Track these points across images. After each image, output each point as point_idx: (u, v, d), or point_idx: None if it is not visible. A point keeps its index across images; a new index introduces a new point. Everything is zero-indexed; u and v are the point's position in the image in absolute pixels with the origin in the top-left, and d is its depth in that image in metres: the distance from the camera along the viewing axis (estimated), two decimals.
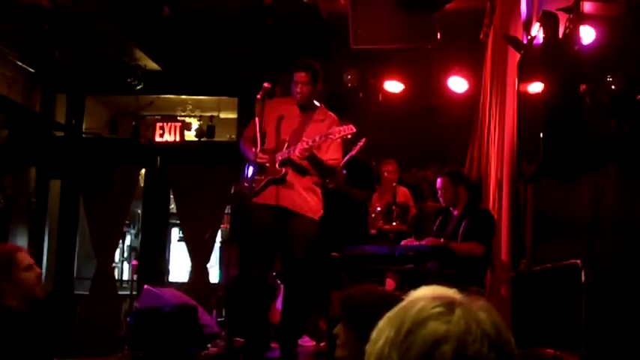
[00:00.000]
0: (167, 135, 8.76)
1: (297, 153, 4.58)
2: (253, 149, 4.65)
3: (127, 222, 9.60)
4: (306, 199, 4.69)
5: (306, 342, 5.50)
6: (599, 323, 3.27)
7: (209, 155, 8.64)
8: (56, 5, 6.46)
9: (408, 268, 4.79)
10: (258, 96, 4.65)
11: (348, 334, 2.38)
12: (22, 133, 7.67)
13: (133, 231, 10.39)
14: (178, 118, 9.04)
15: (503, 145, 5.19)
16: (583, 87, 3.30)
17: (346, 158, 5.44)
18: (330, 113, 4.87)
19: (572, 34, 3.35)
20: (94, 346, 7.05)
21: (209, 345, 4.94)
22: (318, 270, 4.98)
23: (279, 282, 5.84)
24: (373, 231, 6.27)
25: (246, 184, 4.73)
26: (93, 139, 8.77)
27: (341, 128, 4.56)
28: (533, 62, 3.95)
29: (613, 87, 3.06)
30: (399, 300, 1.11)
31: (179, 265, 9.94)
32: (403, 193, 6.68)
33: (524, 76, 4.17)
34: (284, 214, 4.65)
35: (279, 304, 5.53)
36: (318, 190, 4.79)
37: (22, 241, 7.94)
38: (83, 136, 8.75)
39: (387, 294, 2.99)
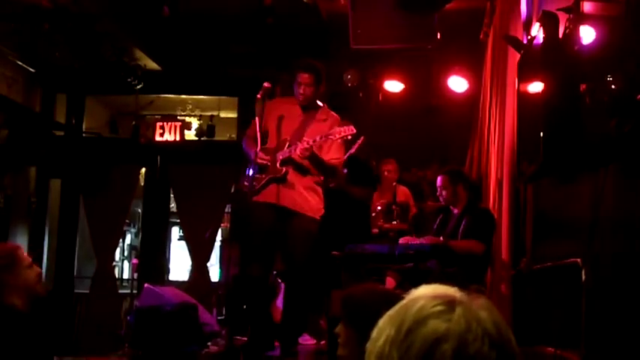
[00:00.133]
0: (167, 134, 8.76)
1: (297, 153, 4.58)
2: (255, 149, 4.66)
3: (127, 221, 9.60)
4: (306, 198, 4.70)
5: (307, 340, 5.50)
6: (599, 322, 3.27)
7: (209, 154, 8.64)
8: (56, 5, 6.46)
9: (408, 267, 4.80)
10: (258, 96, 4.66)
11: (349, 333, 2.39)
12: (22, 132, 7.67)
13: (133, 230, 10.39)
14: (178, 117, 9.04)
15: (503, 145, 5.20)
16: (583, 87, 3.30)
17: (345, 156, 5.45)
18: (333, 113, 4.87)
19: (572, 34, 3.36)
20: (94, 344, 7.05)
21: (209, 344, 4.94)
22: (318, 269, 4.98)
23: (279, 281, 5.84)
24: (375, 230, 6.27)
25: (246, 183, 4.74)
26: (93, 139, 8.77)
27: (341, 129, 4.57)
28: (533, 62, 3.95)
29: (613, 87, 3.07)
30: (400, 298, 1.11)
31: (179, 264, 9.94)
32: (403, 193, 6.69)
33: (524, 76, 4.18)
34: (285, 213, 4.65)
35: (279, 302, 5.54)
36: (319, 190, 4.80)
37: (22, 240, 7.94)
38: (83, 135, 8.75)
39: (388, 292, 2.99)
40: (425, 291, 1.11)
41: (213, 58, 8.04)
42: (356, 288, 2.64)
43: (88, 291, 8.48)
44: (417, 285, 1.14)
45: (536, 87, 3.80)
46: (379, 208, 6.38)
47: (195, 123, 9.17)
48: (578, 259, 3.37)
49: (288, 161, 4.66)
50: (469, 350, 1.00)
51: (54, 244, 8.56)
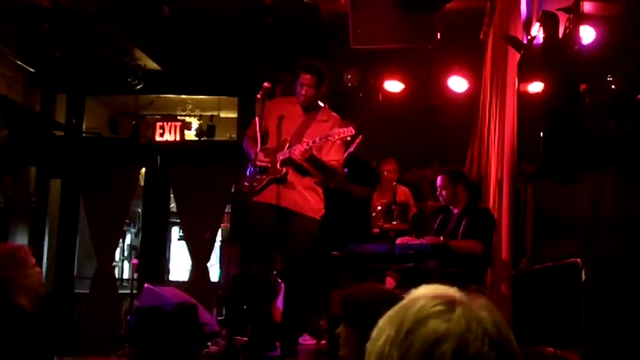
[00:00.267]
0: (167, 134, 8.76)
1: (297, 154, 4.58)
2: (255, 149, 4.66)
3: (127, 221, 9.60)
4: (306, 198, 4.70)
5: (307, 340, 5.50)
6: (599, 322, 3.27)
7: (209, 154, 8.64)
8: (56, 5, 6.46)
9: (408, 267, 4.80)
10: (258, 95, 4.66)
11: (349, 333, 2.39)
12: (22, 132, 7.68)
13: (133, 230, 10.39)
14: (178, 117, 9.04)
15: (504, 145, 5.20)
16: (583, 87, 3.31)
17: (344, 155, 5.45)
18: (334, 114, 4.87)
19: (572, 34, 3.36)
20: (94, 344, 7.05)
21: (209, 344, 4.94)
22: (318, 269, 4.98)
23: (279, 281, 5.85)
24: (376, 230, 6.27)
25: (246, 184, 4.74)
26: (93, 139, 8.77)
27: (341, 130, 4.58)
28: (533, 62, 3.95)
29: (613, 87, 3.07)
30: (400, 298, 1.11)
31: (179, 264, 9.94)
32: (403, 193, 6.69)
33: (524, 76, 4.18)
34: (285, 213, 4.65)
35: (279, 302, 5.54)
36: (319, 190, 4.80)
37: (22, 240, 7.94)
38: (83, 135, 8.75)
39: (388, 292, 2.99)
40: (425, 291, 1.10)
41: (213, 58, 8.04)
42: (356, 288, 2.64)
43: (88, 291, 8.48)
44: (416, 285, 1.14)
45: (536, 87, 3.80)
46: (379, 208, 6.38)
47: (195, 123, 9.16)
48: (578, 259, 3.37)
49: (288, 162, 4.66)
50: (469, 350, 1.00)
51: (54, 244, 8.56)
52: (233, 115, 8.89)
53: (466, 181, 5.19)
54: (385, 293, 2.69)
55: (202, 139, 9.02)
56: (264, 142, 4.74)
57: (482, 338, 1.02)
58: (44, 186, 8.48)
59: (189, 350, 4.49)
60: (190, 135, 9.06)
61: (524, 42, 4.43)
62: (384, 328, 1.08)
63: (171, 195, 8.87)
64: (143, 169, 8.99)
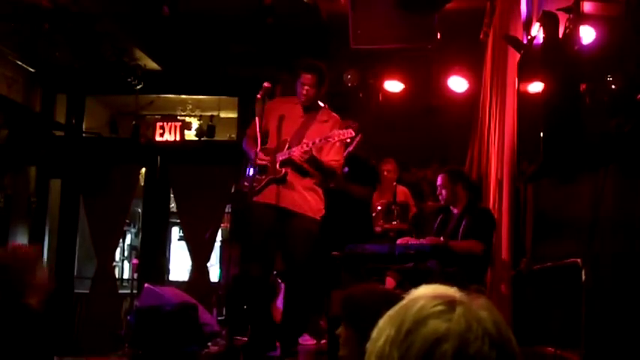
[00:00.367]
0: (167, 134, 8.76)
1: (296, 155, 4.58)
2: (255, 149, 4.66)
3: (127, 221, 9.60)
4: (306, 198, 4.70)
5: (307, 340, 5.50)
6: (599, 322, 3.27)
7: (209, 155, 8.64)
8: (56, 5, 6.46)
9: (408, 267, 4.80)
10: (259, 96, 4.66)
11: (349, 333, 2.39)
12: (22, 132, 7.68)
13: (133, 230, 10.39)
14: (178, 117, 9.04)
15: (504, 145, 5.20)
16: (583, 87, 3.31)
17: (344, 154, 5.45)
18: (334, 114, 4.87)
19: (572, 34, 3.36)
20: (94, 344, 7.05)
21: (209, 344, 4.94)
22: (318, 269, 4.98)
23: (279, 281, 5.85)
24: (378, 229, 6.27)
25: (246, 184, 4.74)
26: (93, 139, 8.77)
27: (340, 132, 4.58)
28: (533, 62, 3.95)
29: (613, 87, 3.07)
30: (400, 298, 1.11)
31: (179, 264, 9.94)
32: (403, 193, 6.68)
33: (524, 76, 4.18)
34: (285, 214, 4.65)
35: (279, 303, 5.54)
36: (320, 190, 4.80)
37: (22, 240, 7.94)
38: (83, 135, 8.75)
39: (388, 293, 2.99)
40: (425, 291, 1.11)
41: (213, 58, 8.04)
42: (356, 288, 2.64)
43: (88, 291, 8.48)
44: (417, 285, 1.14)
45: (536, 87, 3.80)
46: (379, 208, 6.38)
47: (195, 123, 9.16)
48: (578, 260, 3.37)
49: (287, 162, 4.67)
50: (469, 350, 1.00)
51: (54, 244, 8.56)
52: (233, 115, 8.89)
53: (466, 180, 5.20)
54: (385, 293, 2.69)
55: (202, 139, 9.03)
56: (263, 142, 4.74)
57: (483, 338, 1.02)
58: (44, 186, 8.48)
59: (189, 350, 4.49)
60: (190, 135, 9.06)
61: (524, 42, 4.43)
62: (384, 328, 1.08)
63: (172, 195, 8.87)
64: (143, 169, 8.99)
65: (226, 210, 8.76)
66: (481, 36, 6.67)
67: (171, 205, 9.07)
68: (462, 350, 1.00)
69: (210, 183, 8.37)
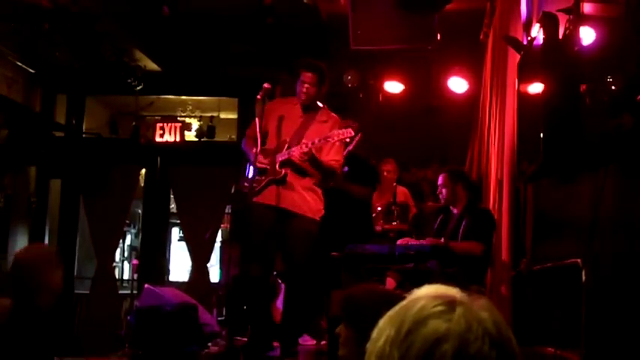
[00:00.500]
0: (167, 135, 8.77)
1: (296, 155, 4.59)
2: (254, 150, 4.67)
3: (127, 222, 9.60)
4: (306, 199, 4.70)
5: (307, 341, 5.50)
6: (599, 322, 3.27)
7: (209, 155, 8.64)
8: (56, 5, 6.46)
9: (408, 268, 4.80)
10: (259, 96, 4.66)
11: (349, 333, 2.39)
12: (22, 133, 7.67)
13: (133, 230, 10.39)
14: (178, 118, 9.04)
15: (504, 145, 5.20)
16: (583, 87, 3.31)
17: (344, 154, 5.45)
18: (333, 114, 4.87)
19: (572, 35, 3.36)
20: (94, 345, 7.05)
21: (209, 344, 4.94)
22: (318, 269, 4.99)
23: (279, 281, 5.85)
24: (379, 228, 6.27)
25: (246, 184, 4.74)
26: (93, 139, 8.77)
27: (340, 132, 4.58)
28: (533, 63, 3.96)
29: (613, 87, 3.07)
30: (400, 299, 1.11)
31: (179, 265, 9.94)
32: (402, 193, 6.68)
33: (524, 76, 4.18)
34: (284, 214, 4.66)
35: (279, 303, 5.54)
36: (319, 190, 4.80)
37: (22, 240, 7.95)
38: (83, 136, 8.75)
39: (388, 293, 2.99)
40: (425, 291, 1.11)
41: (213, 58, 8.04)
42: (356, 288, 2.64)
43: (88, 291, 8.48)
44: (417, 285, 1.14)
45: (536, 87, 3.81)
46: (379, 208, 6.38)
47: (195, 124, 9.17)
48: (579, 260, 3.37)
49: (287, 163, 4.67)
50: (470, 350, 1.01)
51: (54, 244, 8.55)
52: (233, 116, 8.89)
53: (466, 181, 5.20)
54: (385, 293, 2.69)
55: (202, 139, 9.03)
56: (263, 142, 4.74)
57: (483, 338, 1.02)
58: (44, 186, 8.48)
59: (189, 350, 4.49)
60: (190, 136, 9.06)
61: (524, 43, 4.43)
62: (384, 329, 1.08)
63: (171, 196, 8.87)
64: (143, 170, 8.99)
65: (226, 210, 8.76)
66: (481, 37, 6.67)
67: (171, 206, 9.07)
68: (462, 350, 1.00)
69: (210, 184, 8.37)
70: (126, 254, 10.43)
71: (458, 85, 7.10)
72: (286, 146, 4.70)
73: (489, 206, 5.51)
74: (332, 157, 4.72)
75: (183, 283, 8.67)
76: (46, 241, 8.46)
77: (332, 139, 4.58)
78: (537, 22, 3.91)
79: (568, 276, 3.47)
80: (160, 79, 8.18)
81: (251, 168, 4.75)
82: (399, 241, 4.96)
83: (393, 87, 7.42)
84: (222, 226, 9.12)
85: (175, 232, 10.11)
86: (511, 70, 4.96)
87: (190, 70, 8.30)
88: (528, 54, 4.15)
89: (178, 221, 9.25)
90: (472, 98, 7.02)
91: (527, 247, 4.80)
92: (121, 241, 9.76)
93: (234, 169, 5.29)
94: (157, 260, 8.68)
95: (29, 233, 8.18)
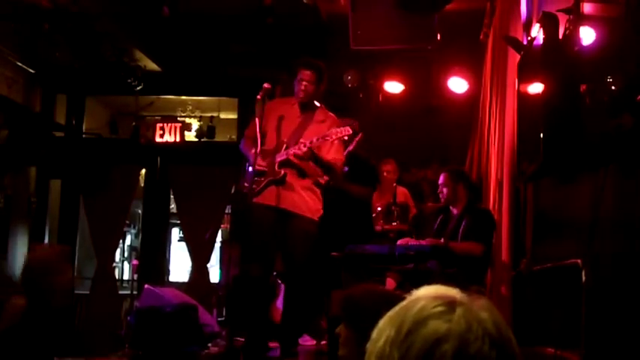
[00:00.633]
0: (167, 135, 8.76)
1: (297, 154, 4.59)
2: (253, 150, 4.67)
3: (127, 222, 9.60)
4: (305, 199, 4.70)
5: (307, 341, 5.50)
6: (599, 322, 3.27)
7: (209, 155, 8.64)
8: (56, 5, 6.46)
9: (408, 268, 4.80)
10: (259, 96, 4.66)
11: (348, 333, 2.39)
12: (22, 133, 7.67)
13: (133, 231, 10.39)
14: (178, 118, 9.04)
15: (504, 145, 5.20)
16: (583, 87, 3.31)
17: (345, 153, 5.45)
18: (331, 114, 4.87)
19: (572, 35, 3.36)
20: (94, 345, 7.05)
21: (210, 344, 4.94)
22: (318, 269, 4.98)
23: (279, 281, 5.85)
24: (379, 228, 6.27)
25: (246, 184, 4.74)
26: (93, 140, 8.77)
27: (337, 130, 4.58)
28: (533, 63, 3.96)
29: (613, 87, 3.07)
30: (400, 299, 1.11)
31: (179, 265, 9.94)
32: (403, 193, 6.68)
33: (525, 76, 4.18)
34: (284, 215, 4.66)
35: (279, 303, 5.54)
36: (318, 191, 4.80)
37: (22, 240, 7.95)
38: (83, 136, 8.75)
39: (388, 293, 2.99)
40: (425, 292, 1.11)
41: (213, 58, 8.04)
42: (356, 289, 2.64)
43: (88, 292, 8.48)
44: (417, 286, 1.14)
45: (536, 87, 3.81)
46: (379, 209, 6.38)
47: (195, 124, 9.17)
48: (579, 260, 3.37)
49: (285, 163, 4.67)
50: (470, 350, 1.01)
51: (54, 244, 8.56)
52: (233, 116, 8.89)
53: (467, 181, 5.21)
54: (385, 294, 2.69)
55: (202, 140, 9.03)
56: (262, 142, 4.73)
57: (483, 338, 1.02)
58: (44, 186, 8.48)
59: (189, 351, 4.49)
60: (190, 136, 9.06)
61: (524, 43, 4.43)
62: (384, 329, 1.08)
63: (172, 196, 8.87)
64: (143, 170, 8.99)
65: (226, 211, 8.76)
66: (481, 37, 6.67)
67: (171, 206, 9.07)
68: (462, 350, 1.00)
69: (210, 184, 8.37)
70: (126, 254, 10.43)
71: (458, 85, 7.10)
72: (284, 146, 4.70)
73: (489, 206, 5.51)
74: (332, 155, 4.72)
75: (183, 283, 8.66)
76: (46, 241, 8.46)
77: (330, 138, 4.58)
78: (537, 22, 3.91)
79: (568, 276, 3.47)
80: (160, 79, 8.18)
81: (250, 169, 4.74)
82: (398, 242, 4.96)
83: (393, 87, 7.42)
84: (222, 226, 9.12)
85: (175, 233, 10.11)
86: (511, 70, 4.96)
87: (190, 70, 8.30)
88: (528, 54, 4.15)
89: (178, 221, 9.25)
90: (472, 98, 7.02)
91: (527, 247, 4.80)
92: (121, 241, 9.76)
93: (234, 169, 5.29)
94: (156, 260, 8.68)
95: (29, 233, 8.18)
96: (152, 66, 7.96)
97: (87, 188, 8.46)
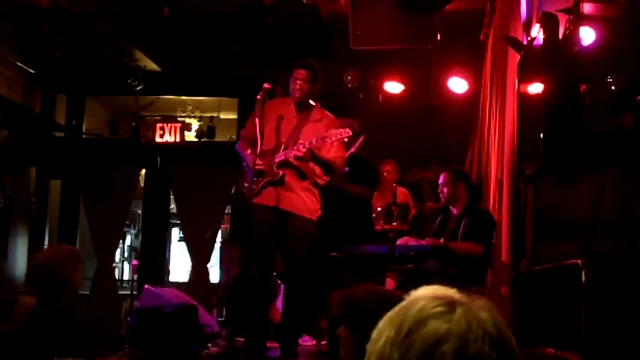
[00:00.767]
0: (167, 135, 8.77)
1: (293, 155, 4.59)
2: (249, 150, 4.67)
3: (127, 222, 9.59)
4: (303, 199, 4.71)
5: (307, 341, 5.50)
6: (599, 323, 3.27)
7: (209, 155, 8.64)
8: (56, 5, 6.46)
9: (408, 268, 4.80)
10: (259, 97, 4.66)
11: (349, 334, 2.39)
12: (22, 133, 7.67)
13: (133, 231, 10.39)
14: (178, 118, 9.05)
15: (504, 145, 5.20)
16: (583, 87, 3.31)
17: (345, 155, 5.44)
18: (327, 113, 4.87)
19: (572, 35, 3.36)
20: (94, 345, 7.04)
21: (210, 344, 4.94)
22: (318, 269, 4.98)
23: (279, 282, 5.84)
24: (379, 228, 6.26)
25: (245, 185, 4.75)
26: (93, 140, 8.77)
27: (337, 131, 4.58)
28: (533, 63, 3.96)
29: (613, 87, 3.07)
30: (400, 299, 1.11)
31: (179, 265, 9.94)
32: (402, 194, 6.68)
33: (524, 76, 4.18)
34: (283, 215, 4.66)
35: (279, 303, 5.54)
36: (316, 191, 4.80)
37: (22, 240, 7.95)
38: (83, 136, 8.75)
39: (387, 293, 2.99)
40: (425, 292, 1.10)
41: (213, 58, 8.04)
42: (355, 289, 2.64)
43: (88, 292, 8.48)
44: (416, 286, 1.14)
45: (536, 87, 3.81)
46: (379, 209, 6.38)
47: (195, 124, 9.17)
48: (579, 261, 3.37)
49: (284, 164, 4.67)
50: (470, 350, 1.00)
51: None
52: (233, 116, 8.89)
53: (467, 181, 5.21)
54: (384, 294, 2.69)
55: (202, 140, 9.03)
56: (260, 143, 4.73)
57: (483, 339, 1.02)
58: (44, 186, 8.48)
59: (189, 351, 4.49)
60: (190, 136, 9.06)
61: (524, 43, 4.43)
62: (384, 329, 1.08)
63: (171, 196, 8.87)
64: (143, 170, 8.99)
65: (226, 211, 8.76)
66: (481, 37, 6.67)
67: (171, 206, 9.07)
68: (462, 351, 1.00)
69: (210, 184, 8.37)
70: (126, 254, 10.43)
71: (458, 85, 7.10)
72: (283, 147, 4.70)
73: (489, 206, 5.51)
74: (333, 154, 4.71)
75: (183, 283, 8.66)
76: (46, 241, 8.46)
77: (330, 139, 4.58)
78: (537, 22, 3.91)
79: (568, 276, 3.47)
80: (160, 79, 8.18)
81: (249, 170, 4.74)
82: (398, 241, 4.96)
83: (393, 87, 7.42)
84: (222, 226, 9.12)
85: (175, 233, 10.11)
86: (511, 70, 4.96)
87: (190, 70, 8.31)
88: (528, 54, 4.15)
89: (178, 221, 9.25)
90: (472, 98, 7.02)
91: (527, 248, 4.80)
92: (121, 241, 9.75)
93: (234, 170, 5.28)
94: (156, 261, 8.68)
95: (29, 233, 8.18)
96: (152, 66, 7.96)
97: (87, 188, 8.46)
